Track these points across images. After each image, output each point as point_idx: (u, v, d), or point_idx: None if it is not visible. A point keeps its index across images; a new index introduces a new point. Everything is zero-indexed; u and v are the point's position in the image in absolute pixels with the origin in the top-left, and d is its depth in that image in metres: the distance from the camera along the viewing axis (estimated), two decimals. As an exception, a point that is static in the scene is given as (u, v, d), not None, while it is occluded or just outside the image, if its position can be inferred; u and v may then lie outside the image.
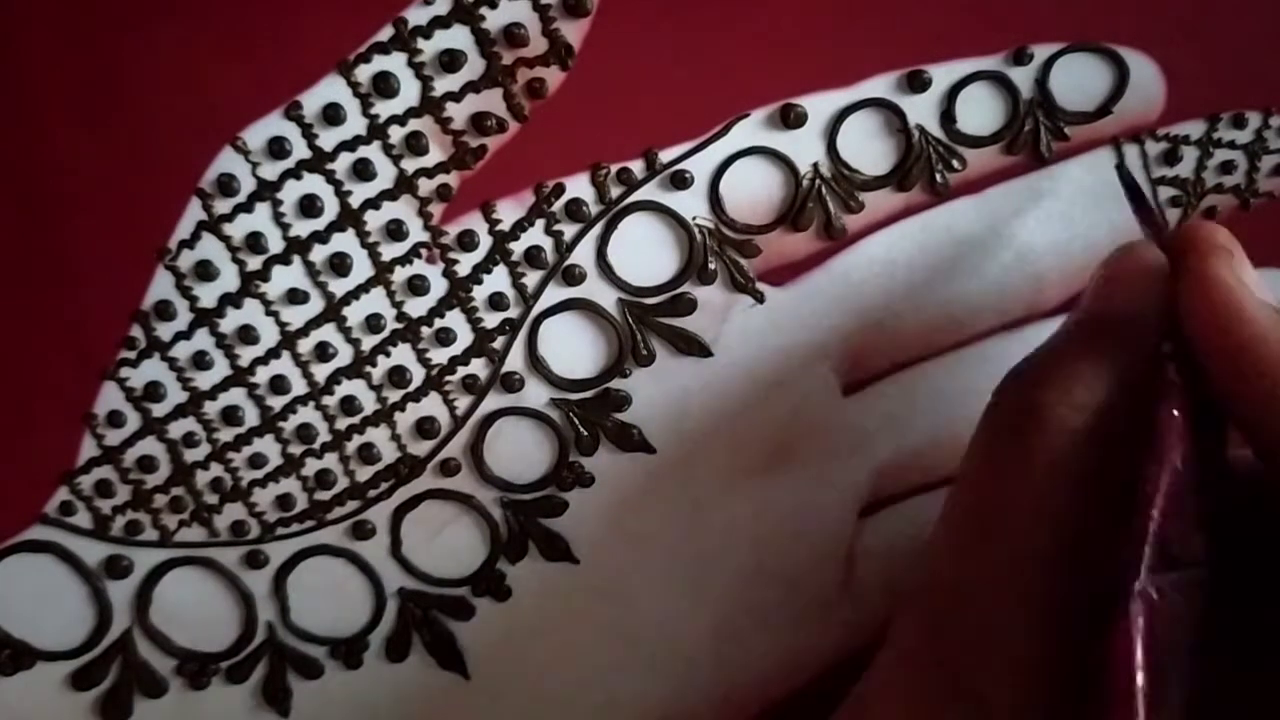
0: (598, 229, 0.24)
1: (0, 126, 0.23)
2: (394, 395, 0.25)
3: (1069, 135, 0.25)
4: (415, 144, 0.23)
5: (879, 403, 0.26)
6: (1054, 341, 0.20)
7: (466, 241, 0.24)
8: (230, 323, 0.24)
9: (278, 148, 0.23)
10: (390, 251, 0.24)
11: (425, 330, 0.24)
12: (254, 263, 0.24)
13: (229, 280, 0.24)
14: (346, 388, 0.25)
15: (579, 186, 0.24)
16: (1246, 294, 0.18)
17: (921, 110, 0.25)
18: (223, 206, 0.24)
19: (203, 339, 0.24)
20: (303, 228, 0.24)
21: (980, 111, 0.25)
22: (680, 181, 0.24)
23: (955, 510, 0.20)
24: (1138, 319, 0.19)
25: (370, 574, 0.26)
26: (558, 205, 0.24)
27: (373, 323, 0.24)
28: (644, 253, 0.25)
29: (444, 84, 0.23)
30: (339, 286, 0.24)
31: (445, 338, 0.24)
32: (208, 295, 0.24)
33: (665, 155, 0.24)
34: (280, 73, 0.23)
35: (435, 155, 0.24)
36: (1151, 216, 0.22)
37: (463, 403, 0.25)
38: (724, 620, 0.27)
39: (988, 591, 0.18)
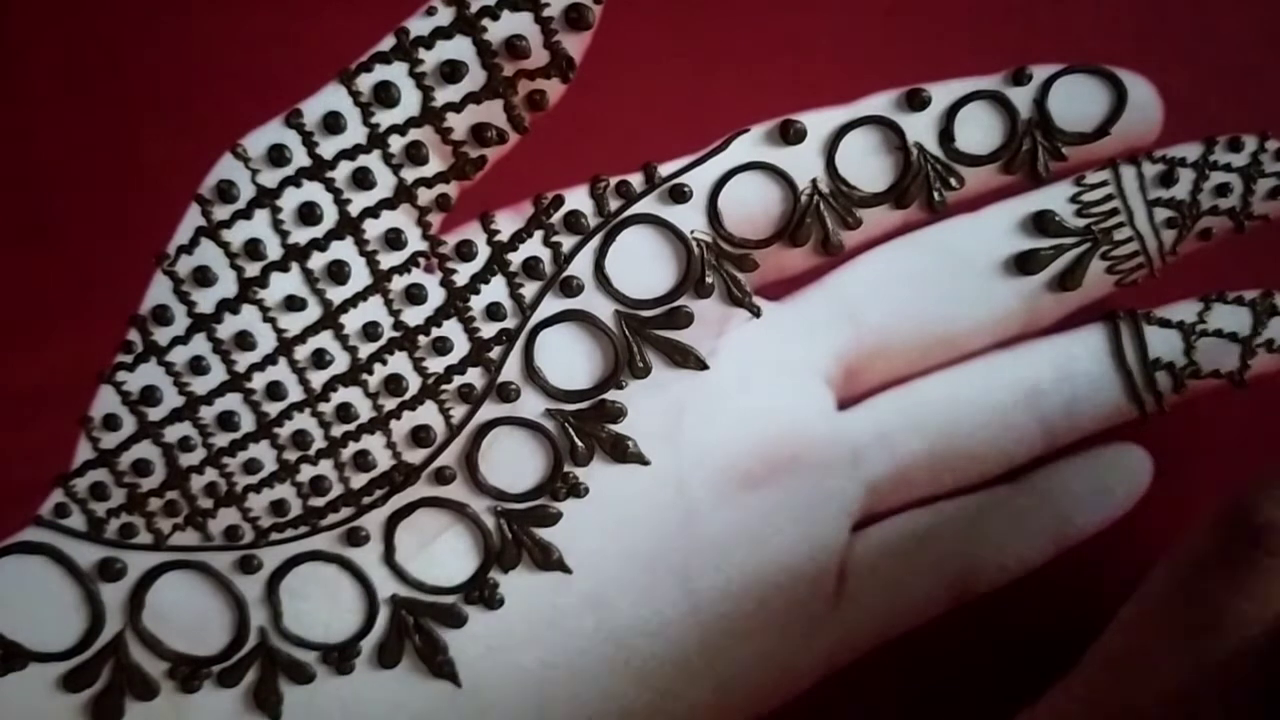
0: (596, 241, 0.24)
1: (0, 129, 0.23)
2: (390, 403, 0.25)
3: (1066, 155, 0.25)
4: (415, 153, 0.23)
5: (873, 418, 0.26)
6: None
7: (465, 251, 0.24)
8: (227, 328, 0.24)
9: (278, 155, 0.23)
10: (388, 260, 0.24)
11: (422, 339, 0.24)
12: (252, 269, 0.24)
13: (227, 286, 0.24)
14: (343, 395, 0.25)
15: (578, 198, 0.24)
16: None
17: (920, 128, 0.25)
18: (222, 213, 0.24)
19: (200, 344, 0.24)
20: (301, 235, 0.24)
21: (979, 130, 0.25)
22: (679, 195, 0.24)
23: (1165, 592, 0.21)
24: None
25: (363, 580, 0.26)
26: (556, 217, 0.24)
27: (370, 331, 0.24)
28: (642, 265, 0.25)
29: (445, 94, 0.23)
30: (337, 294, 0.24)
31: (442, 347, 0.24)
32: (205, 301, 0.24)
33: (664, 169, 0.24)
34: (281, 80, 0.23)
35: (435, 165, 0.24)
36: None
37: (458, 412, 0.25)
38: (716, 632, 0.27)
39: (1194, 686, 0.20)
